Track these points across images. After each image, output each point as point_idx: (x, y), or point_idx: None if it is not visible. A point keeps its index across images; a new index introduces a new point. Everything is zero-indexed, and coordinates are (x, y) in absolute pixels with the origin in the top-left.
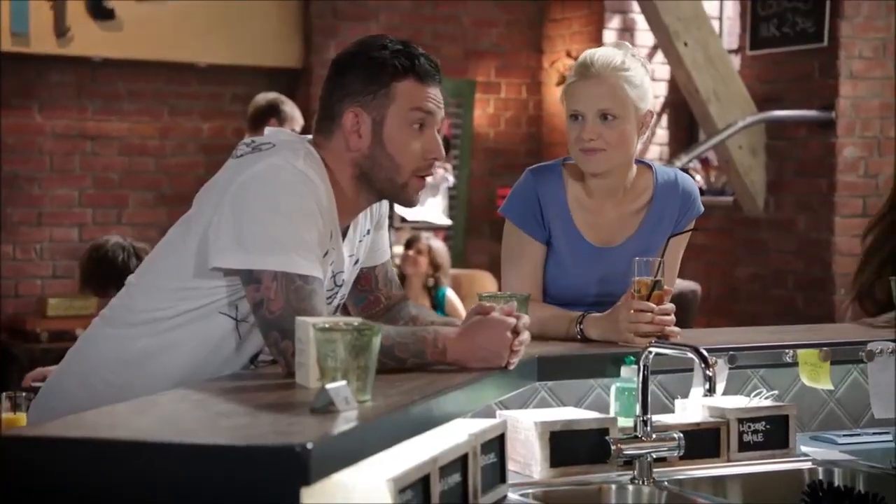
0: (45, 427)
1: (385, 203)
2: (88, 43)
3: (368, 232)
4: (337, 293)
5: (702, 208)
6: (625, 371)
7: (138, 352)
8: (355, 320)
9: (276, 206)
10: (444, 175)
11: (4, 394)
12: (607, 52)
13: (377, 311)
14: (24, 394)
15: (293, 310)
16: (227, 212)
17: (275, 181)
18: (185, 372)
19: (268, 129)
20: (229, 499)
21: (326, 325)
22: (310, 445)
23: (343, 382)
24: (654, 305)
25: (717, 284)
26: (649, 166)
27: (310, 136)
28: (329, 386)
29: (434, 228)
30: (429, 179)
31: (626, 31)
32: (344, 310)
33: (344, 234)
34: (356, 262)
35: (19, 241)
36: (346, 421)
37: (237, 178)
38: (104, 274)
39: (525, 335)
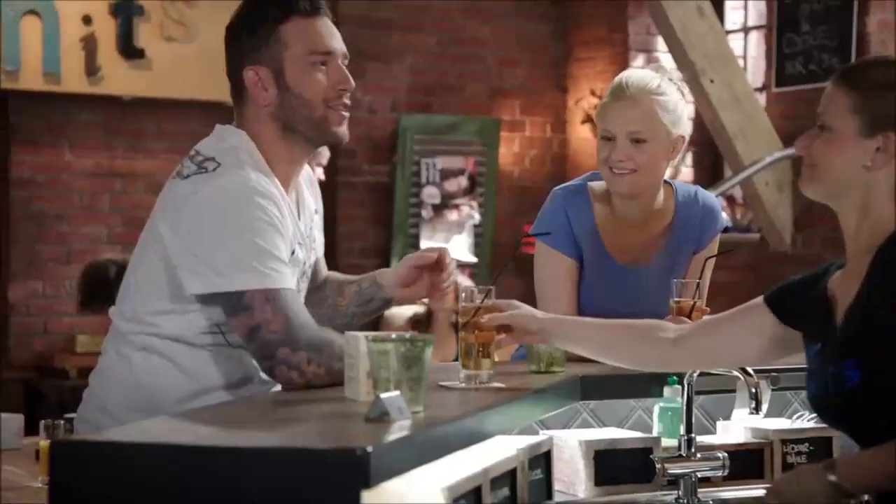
0: (108, 433)
1: (320, 207)
2: (118, 82)
3: (317, 212)
4: (304, 288)
5: (723, 223)
6: (667, 391)
7: (139, 376)
8: (406, 332)
9: (235, 226)
10: (469, 212)
11: (42, 422)
12: (644, 74)
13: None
14: (61, 422)
15: (295, 324)
16: (189, 237)
17: (228, 201)
18: (188, 390)
19: (217, 127)
20: (291, 502)
21: (380, 337)
22: (370, 449)
23: (397, 393)
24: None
25: None
26: (669, 185)
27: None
28: (383, 396)
29: (459, 266)
30: (453, 217)
31: None
32: None
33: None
34: (313, 242)
35: (48, 278)
36: (401, 429)
37: (189, 201)
38: (99, 292)
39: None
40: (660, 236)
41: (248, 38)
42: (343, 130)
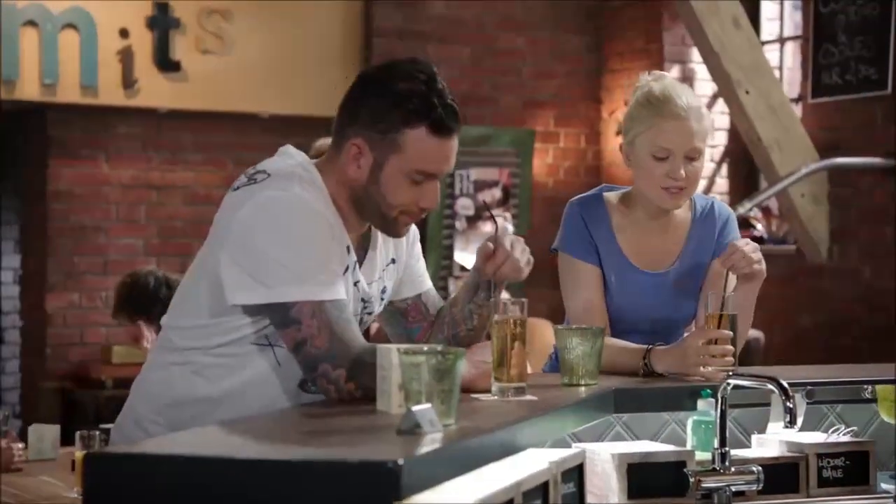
0: (140, 445)
1: (413, 231)
2: (155, 94)
3: (394, 261)
4: (360, 313)
5: (738, 232)
6: (701, 404)
7: (183, 390)
8: (438, 345)
9: (283, 236)
10: (503, 224)
11: (78, 432)
12: (683, 88)
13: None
14: (97, 433)
15: (338, 340)
16: (235, 249)
17: (275, 211)
18: (232, 404)
19: (280, 149)
20: None
21: (411, 349)
22: (401, 461)
23: (428, 405)
24: (729, 333)
25: (780, 333)
26: None
27: (315, 160)
28: (415, 408)
29: None
30: (487, 228)
31: (686, 80)
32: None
33: (361, 261)
34: (383, 290)
35: (85, 289)
36: (433, 441)
37: (237, 213)
38: (135, 299)
39: None
40: (677, 243)
41: (373, 108)
42: (404, 231)
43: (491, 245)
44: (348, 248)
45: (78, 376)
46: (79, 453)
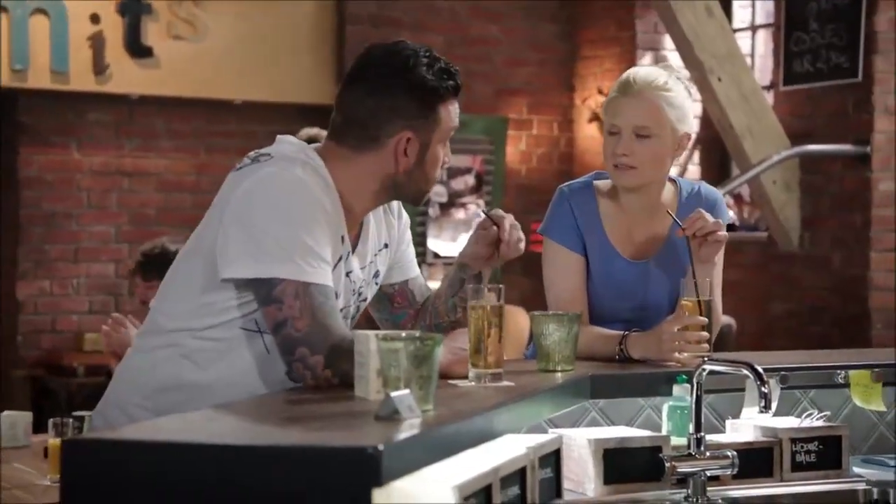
0: (119, 431)
1: (405, 218)
2: (126, 80)
3: (386, 246)
4: (354, 302)
5: (728, 216)
6: (677, 390)
7: (169, 375)
8: (416, 331)
9: (279, 214)
10: (475, 211)
11: (51, 420)
12: (651, 70)
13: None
14: (70, 420)
15: (319, 325)
16: (231, 223)
17: (275, 189)
18: (220, 390)
19: (278, 137)
20: (302, 500)
21: (389, 336)
22: (381, 447)
23: (407, 391)
24: (704, 319)
25: (751, 321)
26: (674, 180)
27: (315, 145)
28: (394, 394)
29: None
30: (460, 215)
31: None
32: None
33: (354, 246)
34: (375, 274)
35: (56, 276)
36: (411, 427)
37: (237, 189)
38: (160, 261)
39: None
40: (663, 231)
41: (411, 101)
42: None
43: (486, 231)
44: (343, 237)
45: (49, 364)
46: (52, 441)
